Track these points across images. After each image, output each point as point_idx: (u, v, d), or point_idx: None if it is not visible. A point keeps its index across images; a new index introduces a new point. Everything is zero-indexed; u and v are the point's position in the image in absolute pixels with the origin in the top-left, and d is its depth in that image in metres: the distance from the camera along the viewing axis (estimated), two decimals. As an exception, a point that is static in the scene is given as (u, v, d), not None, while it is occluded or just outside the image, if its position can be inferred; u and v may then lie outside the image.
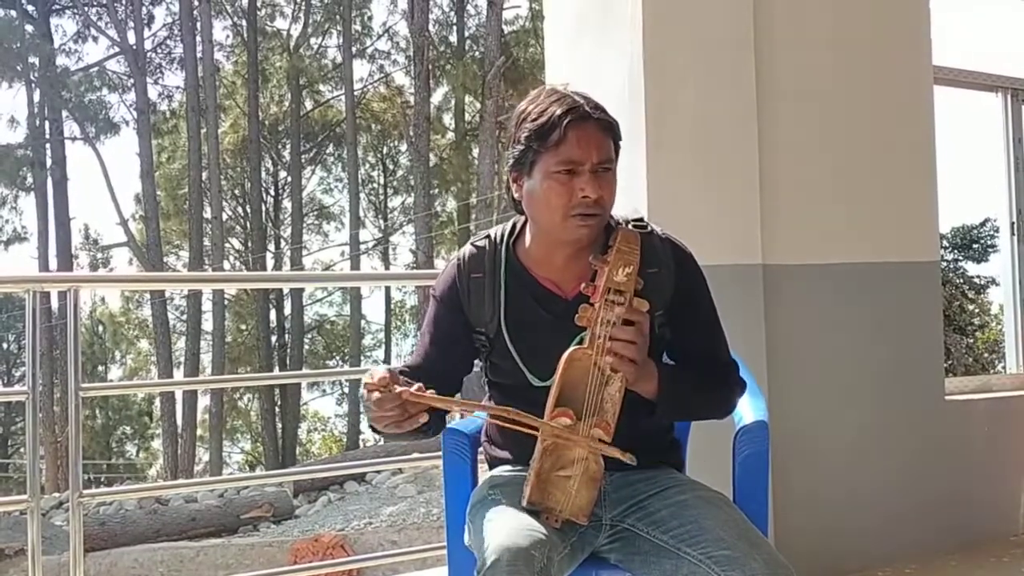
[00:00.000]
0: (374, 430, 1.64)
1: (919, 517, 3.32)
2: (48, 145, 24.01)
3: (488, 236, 1.79)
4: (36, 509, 2.65)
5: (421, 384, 1.54)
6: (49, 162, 23.76)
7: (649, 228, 1.73)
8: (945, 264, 10.79)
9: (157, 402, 24.69)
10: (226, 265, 23.70)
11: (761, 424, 1.84)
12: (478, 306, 1.75)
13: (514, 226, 1.78)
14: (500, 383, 1.79)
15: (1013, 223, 4.17)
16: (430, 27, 22.74)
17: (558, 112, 1.63)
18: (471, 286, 1.76)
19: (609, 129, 1.66)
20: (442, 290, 1.79)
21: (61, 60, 24.72)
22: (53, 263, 22.91)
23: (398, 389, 1.52)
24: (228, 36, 25.72)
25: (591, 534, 1.68)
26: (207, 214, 23.31)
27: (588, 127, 1.63)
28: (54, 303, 20.57)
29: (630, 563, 1.67)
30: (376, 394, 1.53)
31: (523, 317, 1.73)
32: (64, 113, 24.44)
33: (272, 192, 26.49)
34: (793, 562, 1.54)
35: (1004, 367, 4.37)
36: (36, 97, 24.33)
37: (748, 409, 1.87)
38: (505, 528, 1.54)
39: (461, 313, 1.77)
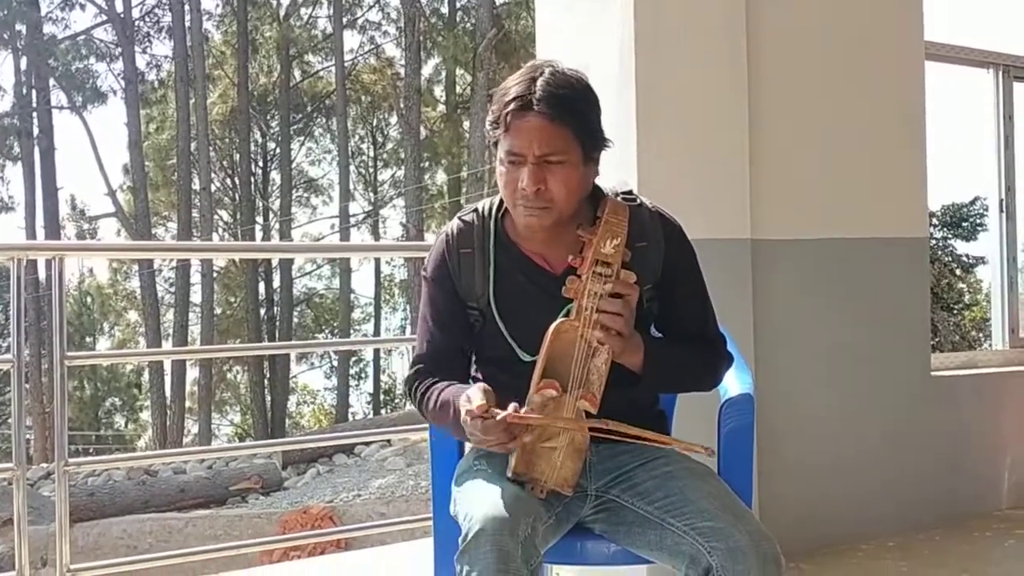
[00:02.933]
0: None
1: (903, 492, 3.35)
2: (35, 114, 23.77)
3: (476, 210, 1.78)
4: (21, 478, 2.65)
5: (516, 404, 1.51)
6: (36, 131, 23.53)
7: (638, 201, 1.72)
8: (934, 242, 10.82)
9: (146, 373, 24.64)
10: (215, 237, 23.49)
11: (747, 397, 1.84)
12: (468, 281, 1.74)
13: (503, 200, 1.76)
14: (490, 357, 1.78)
15: (1002, 201, 4.16)
16: (421, -2, 22.54)
17: (506, 100, 1.60)
18: (460, 262, 1.74)
19: (561, 119, 1.58)
20: (433, 269, 1.78)
21: (48, 28, 24.46)
22: (40, 233, 22.73)
23: (500, 415, 1.49)
24: (217, 5, 25.44)
25: (576, 505, 1.68)
26: (195, 185, 23.14)
27: (529, 118, 1.58)
28: (41, 273, 20.47)
29: (615, 533, 1.68)
30: (479, 422, 1.50)
31: (512, 292, 1.72)
32: (51, 82, 24.19)
33: (261, 164, 26.33)
34: (776, 534, 1.54)
35: (991, 345, 4.39)
36: (23, 65, 24.08)
37: (734, 382, 1.87)
38: (490, 498, 1.54)
39: (454, 289, 1.75)
